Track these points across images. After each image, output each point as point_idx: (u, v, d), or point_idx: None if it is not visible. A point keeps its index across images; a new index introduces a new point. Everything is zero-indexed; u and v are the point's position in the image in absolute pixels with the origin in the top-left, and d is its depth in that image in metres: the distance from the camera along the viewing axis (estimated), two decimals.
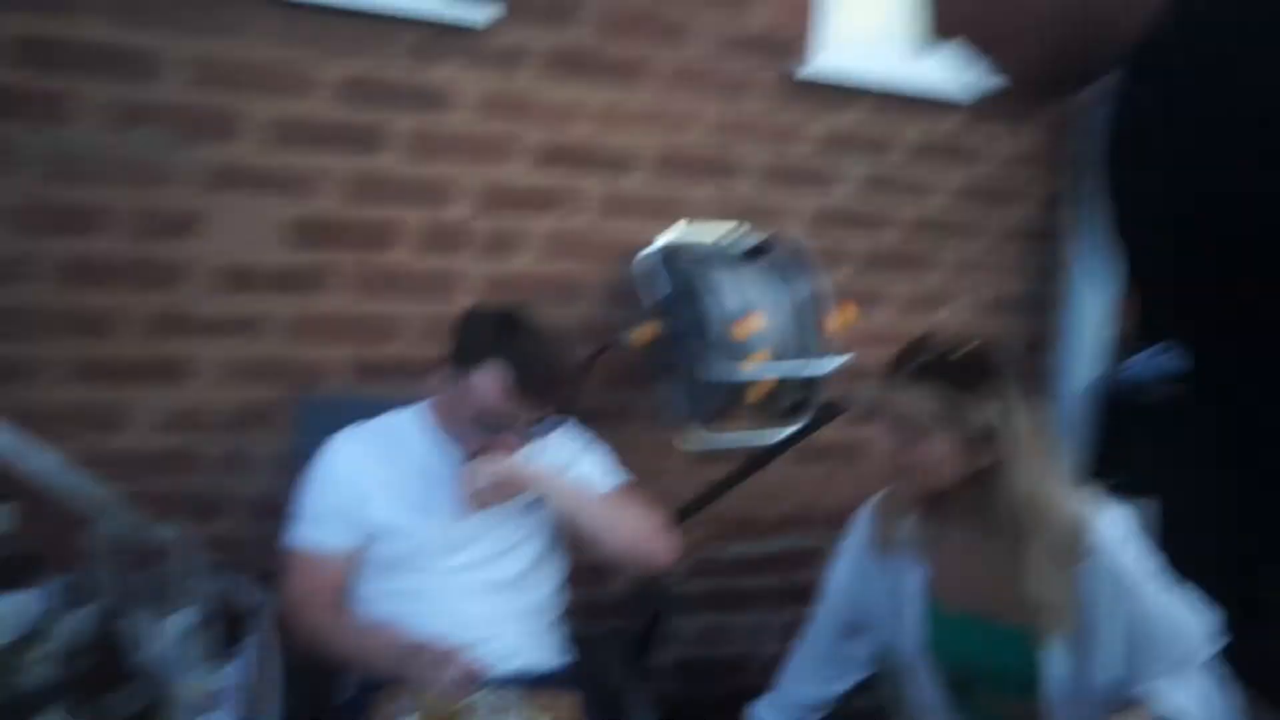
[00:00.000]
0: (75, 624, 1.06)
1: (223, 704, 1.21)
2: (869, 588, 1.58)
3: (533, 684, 1.49)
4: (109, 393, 1.83)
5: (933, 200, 2.41)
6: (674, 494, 2.27)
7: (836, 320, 1.99)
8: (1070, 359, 2.49)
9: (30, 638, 1.20)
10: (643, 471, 2.22)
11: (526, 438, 1.57)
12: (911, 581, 1.49)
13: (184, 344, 1.86)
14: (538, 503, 1.65)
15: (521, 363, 1.49)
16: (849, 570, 1.63)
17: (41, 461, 1.70)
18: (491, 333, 1.52)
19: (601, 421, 2.14)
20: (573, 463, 1.72)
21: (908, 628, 1.50)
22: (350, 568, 1.60)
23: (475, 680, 1.38)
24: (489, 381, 1.50)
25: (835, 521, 2.33)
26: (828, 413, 2.34)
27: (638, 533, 1.62)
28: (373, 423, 1.68)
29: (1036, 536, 1.30)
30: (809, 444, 2.35)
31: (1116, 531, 1.33)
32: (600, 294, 2.14)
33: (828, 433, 2.35)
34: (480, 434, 1.53)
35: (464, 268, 2.02)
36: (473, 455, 1.54)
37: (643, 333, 2.04)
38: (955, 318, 2.50)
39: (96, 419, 1.83)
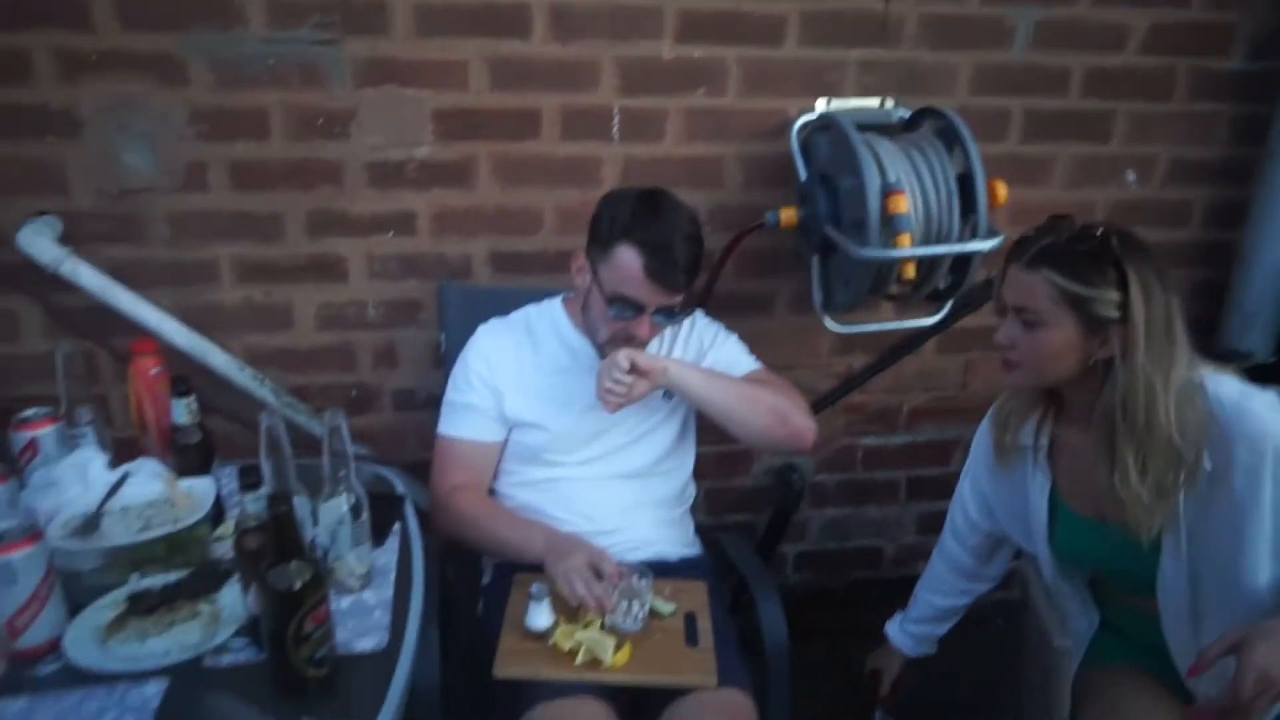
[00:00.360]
0: (247, 506, 1.20)
1: (374, 583, 1.36)
2: (997, 496, 1.57)
3: (662, 573, 1.56)
4: (275, 292, 1.99)
5: (1114, 52, 2.17)
6: (810, 385, 2.29)
7: (992, 196, 1.87)
8: (1268, 230, 2.22)
9: (214, 517, 1.38)
10: (779, 362, 2.21)
11: (660, 325, 1.59)
12: (1036, 488, 1.47)
13: (340, 242, 1.99)
14: (670, 393, 1.68)
15: (655, 245, 1.50)
16: (977, 483, 1.62)
17: (217, 359, 1.90)
18: (626, 216, 1.52)
19: (739, 309, 2.15)
20: (707, 351, 1.73)
21: (1036, 533, 1.49)
22: (495, 458, 1.70)
23: (613, 582, 1.46)
24: (622, 265, 1.51)
25: (974, 414, 2.26)
26: (988, 292, 2.23)
27: (779, 413, 1.62)
28: (512, 316, 1.76)
29: (1132, 436, 1.26)
30: (950, 332, 2.28)
31: (1270, 417, 1.25)
32: (743, 175, 2.10)
33: (969, 320, 2.27)
34: (614, 321, 1.56)
35: (603, 153, 2.02)
36: (607, 345, 1.58)
37: (788, 214, 2.00)
38: (1131, 189, 2.28)
39: (263, 318, 2.00)
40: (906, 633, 1.79)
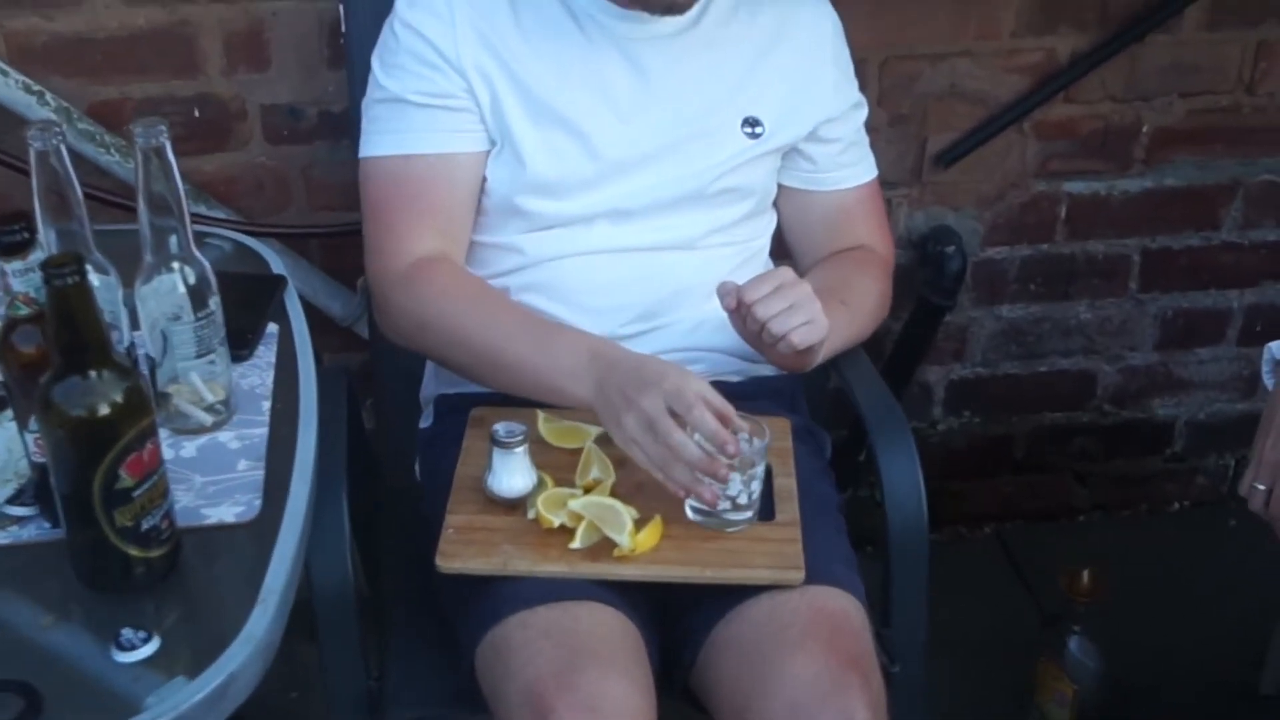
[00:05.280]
0: (13, 283, 1.15)
1: (236, 418, 1.36)
2: None
3: (729, 394, 1.52)
4: None
5: None
6: (980, 90, 2.22)
7: None
8: None
9: None
10: (928, 48, 2.23)
11: None
12: None
13: None
14: (757, 123, 1.71)
15: None
16: None
17: None
18: None
19: None
20: (829, 95, 1.76)
21: None
22: (474, 191, 1.66)
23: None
24: None
25: (1266, 139, 2.16)
26: None
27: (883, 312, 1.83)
28: None
29: None
30: None
31: None
32: None
33: None
34: None
35: None
36: None
37: None
38: None
39: None
40: None
